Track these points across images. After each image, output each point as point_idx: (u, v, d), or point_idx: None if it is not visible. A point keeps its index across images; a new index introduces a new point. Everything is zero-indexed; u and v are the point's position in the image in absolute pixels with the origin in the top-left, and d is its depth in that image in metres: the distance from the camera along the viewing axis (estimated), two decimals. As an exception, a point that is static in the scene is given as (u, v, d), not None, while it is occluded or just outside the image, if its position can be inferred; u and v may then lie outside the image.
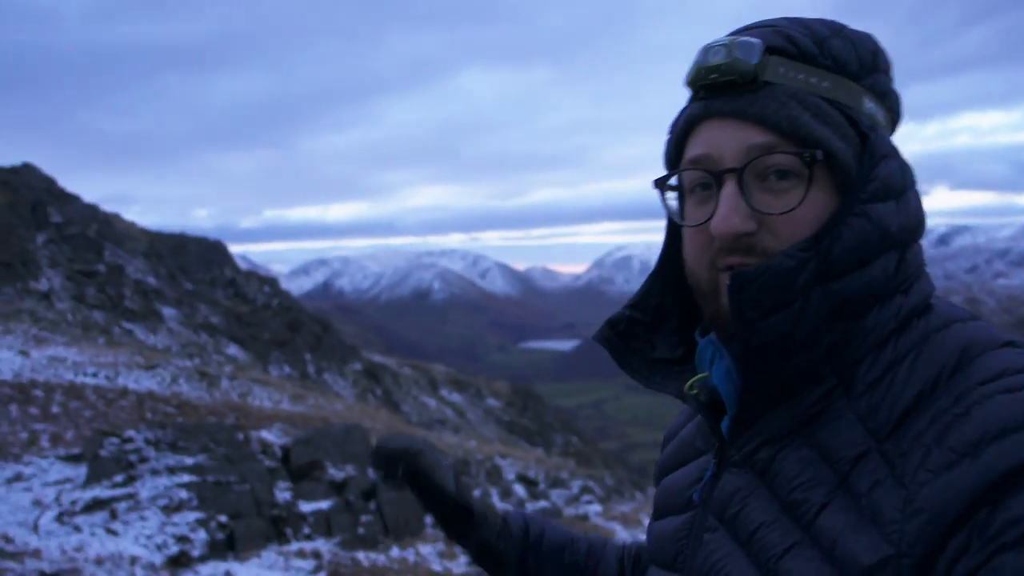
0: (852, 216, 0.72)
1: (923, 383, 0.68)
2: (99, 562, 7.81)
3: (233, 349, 28.59)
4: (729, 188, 0.75)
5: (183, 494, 9.52)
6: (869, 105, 0.77)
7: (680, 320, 0.89)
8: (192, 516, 9.22)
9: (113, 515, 8.86)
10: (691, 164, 0.80)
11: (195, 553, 8.85)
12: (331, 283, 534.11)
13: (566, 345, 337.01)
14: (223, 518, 9.46)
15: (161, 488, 9.51)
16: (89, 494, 9.22)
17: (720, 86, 0.77)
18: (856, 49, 0.78)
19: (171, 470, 9.92)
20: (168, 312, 28.63)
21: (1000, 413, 0.62)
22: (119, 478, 9.60)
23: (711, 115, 0.78)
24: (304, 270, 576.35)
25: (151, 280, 30.70)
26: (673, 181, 0.85)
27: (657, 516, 0.92)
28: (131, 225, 36.88)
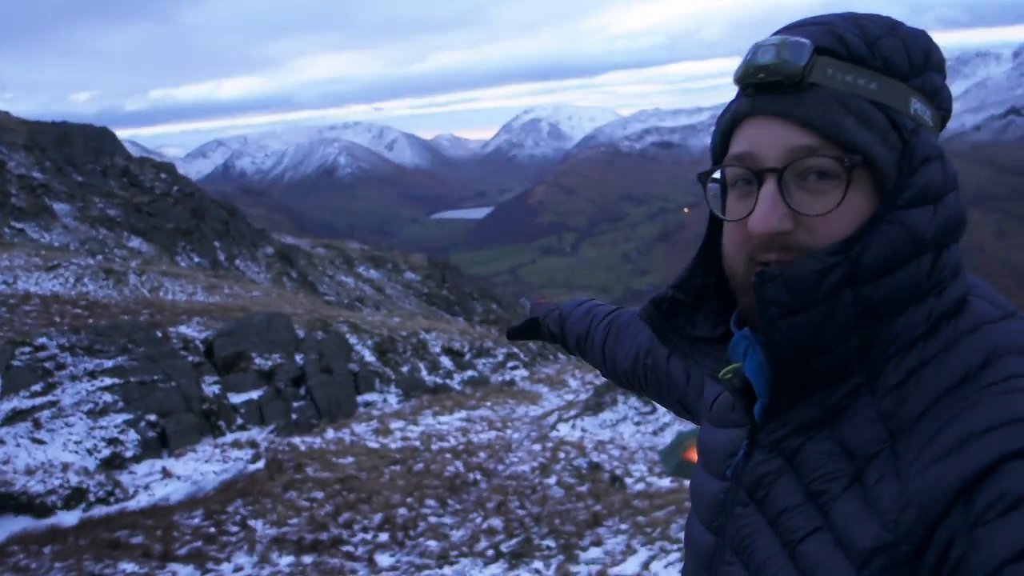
0: (885, 223, 0.73)
1: (944, 387, 0.70)
2: (30, 472, 7.72)
3: (136, 242, 27.46)
4: (769, 187, 0.76)
5: (107, 397, 9.37)
6: (916, 106, 0.77)
7: (721, 302, 0.91)
8: (120, 418, 9.13)
9: (37, 424, 8.68)
10: (734, 160, 0.81)
11: (128, 454, 8.84)
12: (231, 165, 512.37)
13: (479, 213, 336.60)
14: (152, 417, 9.42)
15: (84, 393, 9.32)
16: (7, 406, 8.97)
17: (768, 85, 0.77)
18: (907, 49, 0.77)
19: (91, 374, 9.70)
20: (60, 207, 27.06)
21: (991, 412, 0.66)
22: (37, 387, 9.35)
23: (756, 113, 0.79)
24: (201, 152, 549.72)
25: (37, 174, 28.78)
26: (716, 174, 0.86)
27: (700, 466, 0.97)
28: (6, 115, 34.10)
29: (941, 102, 0.79)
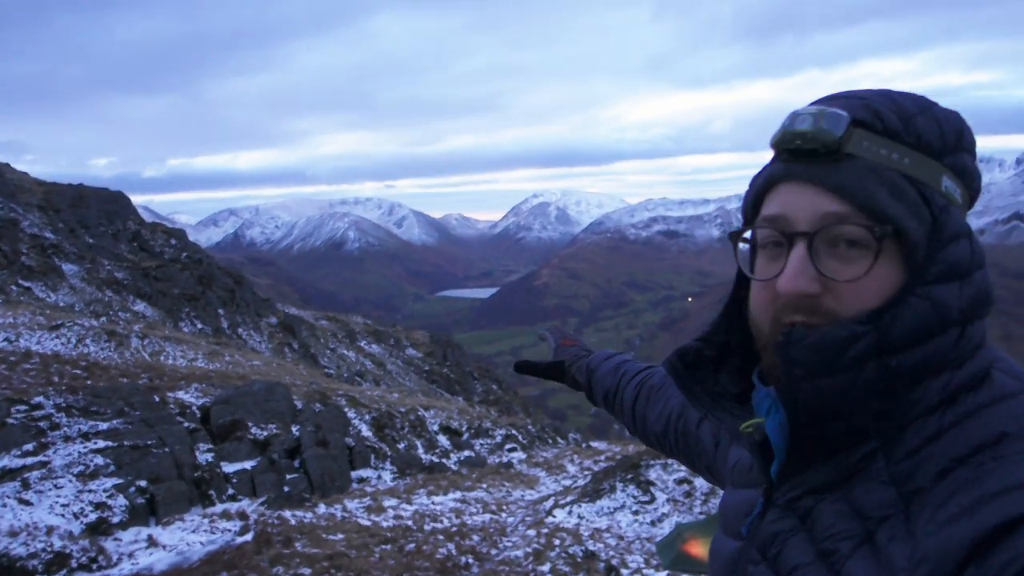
0: (914, 297, 0.75)
1: (960, 455, 0.72)
2: (13, 534, 7.54)
3: (141, 306, 27.53)
4: (799, 250, 0.78)
5: (99, 460, 9.23)
6: (947, 183, 0.79)
7: (744, 359, 0.93)
8: (110, 482, 8.97)
9: (25, 485, 8.53)
10: (766, 222, 0.83)
11: (115, 520, 8.64)
12: (241, 234, 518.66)
13: (483, 293, 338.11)
14: (143, 482, 9.25)
15: (75, 455, 9.19)
16: (-3, 464, 8.84)
17: (803, 152, 0.80)
18: (941, 128, 0.79)
19: (85, 436, 9.59)
20: (69, 268, 27.25)
21: (1006, 476, 0.67)
22: (29, 446, 9.23)
23: (791, 178, 0.82)
24: (212, 221, 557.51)
25: (49, 235, 29.10)
26: (747, 234, 0.89)
27: (720, 529, 0.99)
28: (24, 176, 34.71)
29: (971, 182, 0.81)
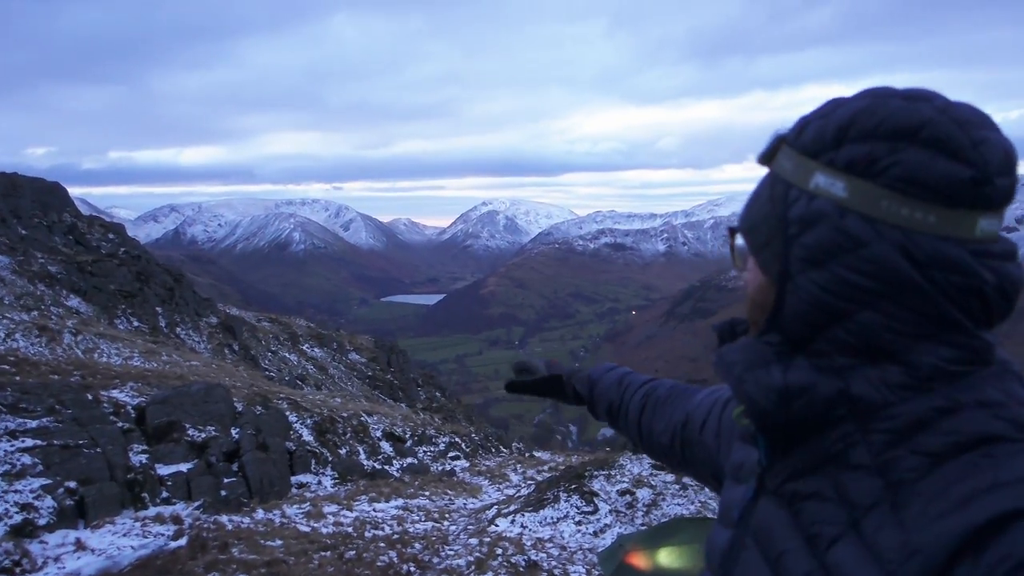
0: (787, 291, 0.84)
1: (946, 451, 0.73)
2: (-70, 536, 7.19)
3: (75, 301, 26.59)
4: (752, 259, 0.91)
5: (26, 459, 8.87)
6: (819, 179, 0.80)
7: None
8: (37, 483, 8.62)
9: (-55, 484, 8.14)
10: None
11: (41, 522, 8.30)
12: (182, 231, 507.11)
13: (429, 299, 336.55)
14: (72, 484, 8.91)
15: (1, 454, 8.80)
16: (-85, 461, 8.42)
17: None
18: (826, 128, 0.81)
19: (12, 434, 9.20)
20: (-1, 260, 26.26)
21: (999, 471, 0.69)
22: (-49, 443, 8.82)
23: None
24: (152, 216, 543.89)
25: (-22, 224, 28.03)
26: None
27: (717, 522, 1.01)
28: (-47, 162, 33.41)
29: (867, 169, 0.78)
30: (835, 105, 0.82)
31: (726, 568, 0.92)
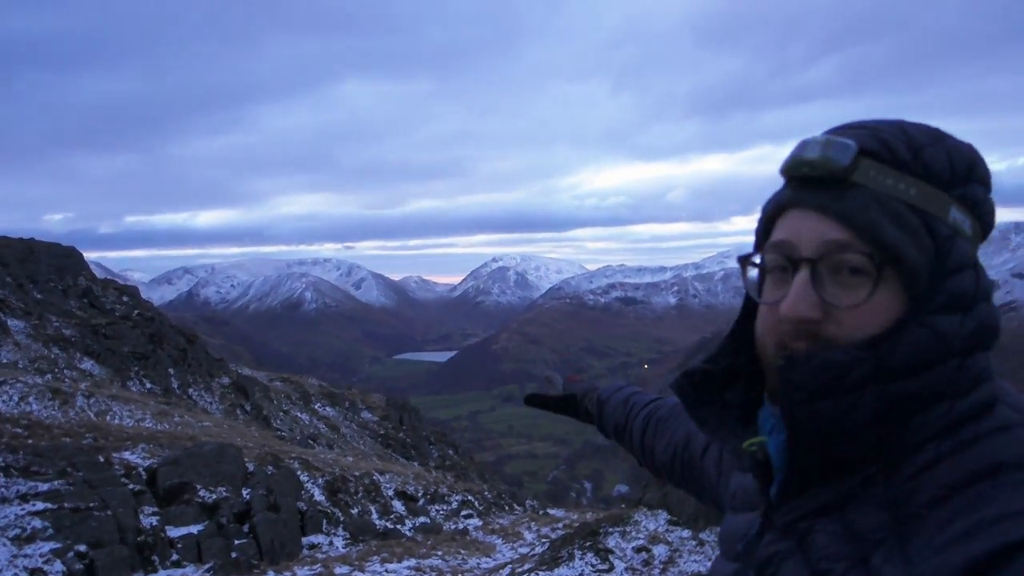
0: (915, 326, 0.77)
1: (958, 483, 0.73)
2: (-61, 602, 7.13)
3: (88, 363, 26.72)
4: (802, 276, 0.81)
5: (37, 523, 8.83)
6: (955, 215, 0.80)
7: (749, 381, 0.94)
8: (47, 546, 8.57)
9: (-45, 549, 8.10)
10: (772, 247, 0.86)
11: (50, 587, 8.23)
12: (195, 293, 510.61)
13: (441, 356, 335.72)
14: (82, 547, 8.85)
15: (12, 517, 8.78)
16: (-74, 527, 8.40)
17: (811, 179, 0.83)
18: (951, 159, 0.81)
19: (23, 497, 9.18)
20: (14, 324, 26.44)
21: (1003, 504, 0.68)
22: (-38, 508, 8.80)
23: (797, 204, 0.84)
24: (166, 279, 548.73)
25: (-5, 289, 28.37)
26: (757, 259, 0.91)
27: (719, 555, 0.99)
28: (-28, 230, 33.96)
29: (983, 214, 0.81)
30: (940, 135, 0.83)
31: None
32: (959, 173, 0.80)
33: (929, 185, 0.79)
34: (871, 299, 0.78)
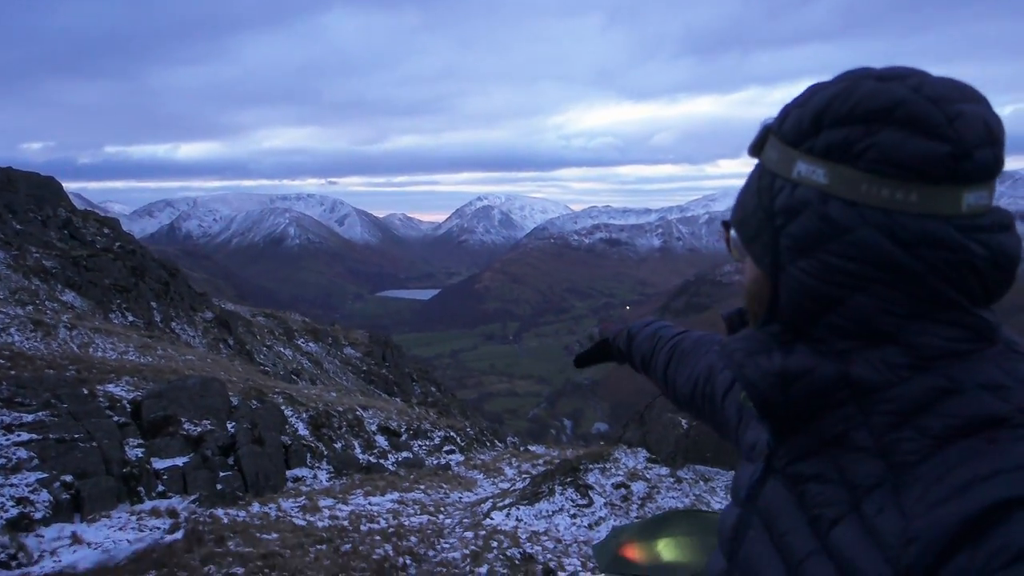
0: (781, 281, 0.85)
1: (947, 435, 0.73)
2: (-73, 529, 7.20)
3: (70, 296, 26.53)
4: (732, 235, 0.97)
5: (22, 453, 8.88)
6: (801, 167, 0.81)
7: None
8: (33, 476, 8.64)
9: (-59, 478, 8.15)
10: None
11: (37, 515, 8.32)
12: (177, 226, 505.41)
13: (425, 294, 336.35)
14: (68, 477, 8.93)
15: (-3, 447, 8.82)
16: (-89, 455, 8.43)
17: None
18: (802, 114, 0.82)
19: (8, 427, 9.21)
20: (-7, 254, 26.18)
21: (998, 458, 0.68)
22: (-54, 437, 8.82)
23: None
24: (147, 211, 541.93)
25: (-28, 219, 27.94)
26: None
27: (732, 499, 1.02)
28: (-54, 157, 33.27)
29: (852, 154, 0.78)
30: (813, 91, 0.82)
31: (734, 546, 0.93)
32: (804, 127, 0.81)
33: (784, 146, 0.83)
34: (746, 265, 0.91)
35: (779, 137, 0.84)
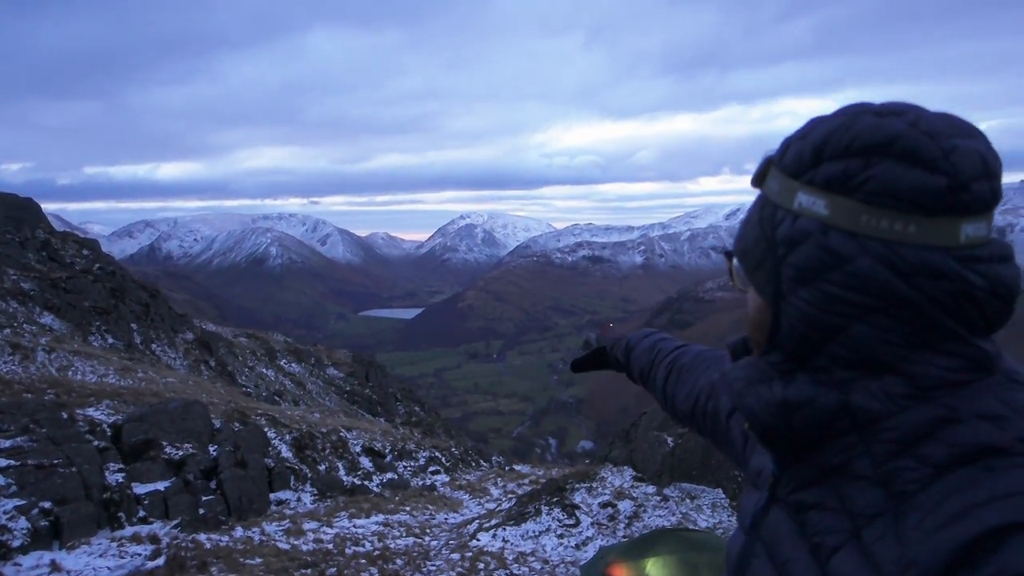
0: (781, 311, 0.86)
1: (947, 463, 0.74)
2: (-99, 559, 7.04)
3: (48, 318, 26.20)
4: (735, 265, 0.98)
5: (0, 479, 8.72)
6: (802, 199, 0.82)
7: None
8: (11, 504, 8.48)
9: (-84, 506, 7.99)
10: None
11: (15, 543, 8.16)
12: (157, 247, 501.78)
13: (408, 313, 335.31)
14: (47, 504, 8.77)
15: (-27, 474, 8.66)
16: None
17: None
18: (803, 148, 0.84)
19: (-15, 454, 9.05)
20: (-30, 277, 25.84)
21: (995, 485, 0.70)
22: (-78, 465, 8.66)
23: None
24: (127, 232, 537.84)
25: (-51, 241, 27.60)
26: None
27: (738, 526, 1.03)
28: (-77, 179, 32.90)
29: (845, 185, 0.79)
30: (813, 124, 0.84)
31: (738, 574, 0.94)
32: (805, 159, 0.83)
33: (786, 178, 0.85)
34: (751, 295, 0.92)
35: (780, 169, 0.86)
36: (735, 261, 0.96)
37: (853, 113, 0.82)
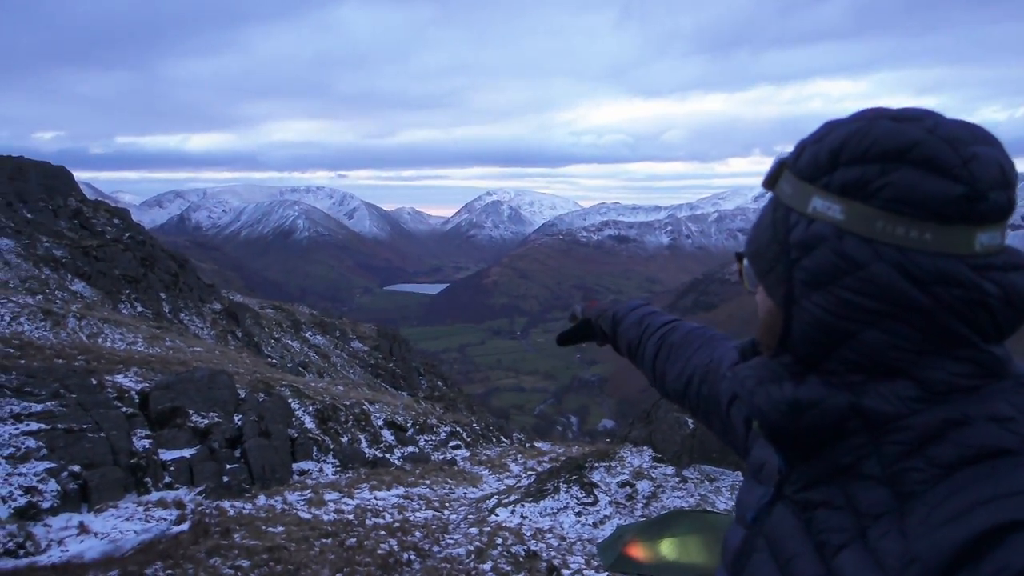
0: (793, 314, 0.87)
1: (954, 464, 0.74)
2: (-64, 517, 7.25)
3: (79, 285, 26.68)
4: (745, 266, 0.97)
5: (31, 443, 8.94)
6: (817, 203, 0.82)
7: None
8: (41, 466, 8.70)
9: (-50, 466, 8.21)
10: None
11: (45, 505, 8.38)
12: (187, 217, 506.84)
13: (432, 288, 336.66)
14: (76, 467, 8.99)
15: (6, 436, 8.88)
16: (-79, 443, 8.49)
17: None
18: (819, 151, 0.83)
19: (17, 417, 9.27)
20: (4, 243, 26.29)
21: (999, 484, 0.70)
22: (-44, 426, 8.88)
23: None
24: (157, 202, 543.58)
25: (-16, 207, 28.09)
26: None
27: (736, 517, 1.03)
28: (-41, 145, 33.45)
29: (861, 191, 0.79)
30: (829, 128, 0.84)
31: (737, 568, 0.95)
32: (822, 164, 0.82)
33: (800, 181, 0.84)
34: (759, 296, 0.91)
35: (795, 172, 0.85)
36: (745, 262, 0.95)
37: (870, 118, 0.81)
